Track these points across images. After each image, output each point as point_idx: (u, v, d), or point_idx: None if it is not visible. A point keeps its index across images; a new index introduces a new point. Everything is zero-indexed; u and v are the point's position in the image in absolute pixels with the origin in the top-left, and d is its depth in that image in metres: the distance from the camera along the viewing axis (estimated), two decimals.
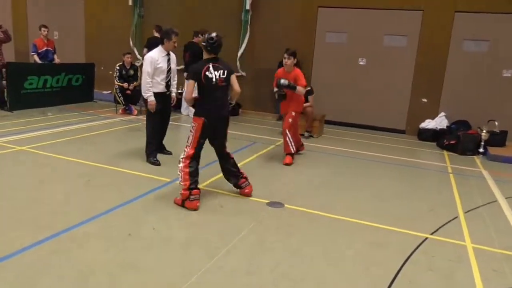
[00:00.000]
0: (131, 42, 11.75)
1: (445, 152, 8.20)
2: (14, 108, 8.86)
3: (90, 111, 9.71)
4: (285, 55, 6.37)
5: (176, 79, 6.12)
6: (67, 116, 8.93)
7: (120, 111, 9.69)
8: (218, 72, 4.46)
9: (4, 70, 8.85)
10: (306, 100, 8.53)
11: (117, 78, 9.57)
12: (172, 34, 5.71)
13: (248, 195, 4.80)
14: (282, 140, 8.03)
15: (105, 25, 12.13)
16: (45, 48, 9.96)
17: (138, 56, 11.54)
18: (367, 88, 10.16)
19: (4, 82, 8.92)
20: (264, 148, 7.28)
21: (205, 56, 4.55)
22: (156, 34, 9.61)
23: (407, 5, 9.53)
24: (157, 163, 5.82)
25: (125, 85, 9.49)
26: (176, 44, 5.78)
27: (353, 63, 10.23)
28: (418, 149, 8.44)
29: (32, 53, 10.00)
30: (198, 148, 4.48)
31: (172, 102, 6.14)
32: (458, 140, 8.15)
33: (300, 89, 6.22)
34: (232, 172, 4.79)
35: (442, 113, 9.39)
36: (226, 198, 4.78)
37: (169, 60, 5.85)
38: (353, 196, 5.22)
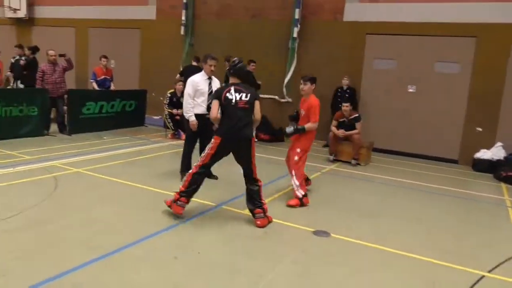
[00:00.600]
0: (181, 68, 12.19)
1: (503, 185, 7.74)
2: (73, 132, 9.38)
3: (141, 135, 10.09)
4: (301, 81, 5.72)
5: None
6: (120, 140, 9.33)
7: (169, 135, 10.00)
8: (239, 94, 4.67)
9: (65, 96, 9.44)
10: (354, 127, 8.44)
11: (166, 105, 9.94)
12: (207, 58, 6.10)
13: (259, 226, 4.64)
14: (328, 168, 7.97)
15: (159, 53, 12.72)
16: (103, 76, 10.57)
17: None
18: (417, 115, 9.89)
19: (65, 107, 9.51)
20: (310, 175, 7.19)
21: (230, 80, 4.86)
22: (194, 63, 10.22)
23: (459, 32, 9.29)
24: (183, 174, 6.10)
25: (174, 111, 9.82)
26: (213, 68, 6.09)
27: (402, 90, 10.03)
28: (473, 180, 8.03)
29: (91, 81, 10.64)
30: (209, 163, 4.73)
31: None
32: None
33: (310, 127, 5.56)
34: (252, 198, 4.77)
35: (499, 143, 8.92)
36: (271, 225, 4.74)
37: (210, 83, 6.14)
38: (402, 227, 5.03)
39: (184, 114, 6.13)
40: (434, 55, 9.64)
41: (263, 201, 4.78)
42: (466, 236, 4.91)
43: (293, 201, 5.45)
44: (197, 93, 6.06)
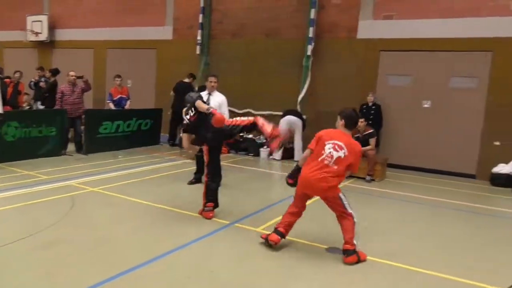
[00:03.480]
0: (196, 89, 12.35)
1: None
2: (89, 152, 9.54)
3: (156, 154, 10.22)
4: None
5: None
6: (135, 158, 9.45)
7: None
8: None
9: (83, 116, 9.66)
10: (368, 143, 8.40)
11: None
12: (208, 77, 7.02)
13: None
14: (342, 184, 7.91)
15: (175, 73, 12.91)
16: (119, 96, 10.79)
17: None
18: (433, 130, 9.80)
19: (82, 127, 9.72)
20: None
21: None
22: (186, 80, 11.37)
23: (475, 47, 9.24)
24: (191, 182, 7.15)
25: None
26: (213, 84, 6.79)
27: (417, 106, 9.98)
28: (492, 195, 7.88)
29: (108, 101, 10.88)
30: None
31: None
32: None
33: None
34: None
35: None
36: (285, 242, 4.71)
37: (208, 98, 6.71)
38: (419, 244, 4.95)
39: None
40: (449, 70, 9.59)
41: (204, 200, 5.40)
42: (485, 252, 4.80)
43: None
44: None
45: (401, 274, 4.06)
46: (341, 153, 4.27)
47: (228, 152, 10.99)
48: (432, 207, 6.69)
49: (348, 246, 4.28)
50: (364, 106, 9.98)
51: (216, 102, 6.75)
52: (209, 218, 5.32)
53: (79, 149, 9.63)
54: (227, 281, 3.72)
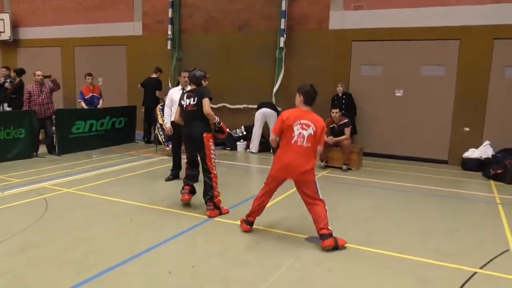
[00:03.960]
0: (170, 84, 12.21)
1: (492, 182, 7.83)
2: (62, 152, 9.32)
3: (131, 152, 10.07)
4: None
5: None
6: (110, 157, 9.29)
7: (169, 147, 9.77)
8: (189, 100, 5.40)
9: (53, 116, 9.40)
10: (343, 133, 8.51)
11: (162, 118, 9.92)
12: (181, 71, 7.17)
13: (209, 217, 5.25)
14: (319, 174, 8.00)
15: (146, 69, 12.71)
16: (91, 94, 10.55)
17: None
18: (406, 118, 10.01)
19: (53, 128, 9.46)
20: None
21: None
22: (153, 75, 11.51)
23: (443, 35, 9.45)
24: (168, 179, 7.18)
25: (169, 130, 9.80)
26: (186, 79, 6.61)
27: (390, 95, 10.16)
28: (463, 180, 8.12)
29: (79, 100, 10.62)
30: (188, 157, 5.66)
31: None
32: (506, 169, 7.79)
33: (271, 139, 4.83)
34: (206, 190, 5.40)
35: (487, 142, 9.04)
36: (264, 234, 4.75)
37: (182, 93, 6.61)
38: (396, 230, 5.05)
39: (163, 121, 7.38)
40: (420, 59, 9.79)
41: (215, 193, 5.33)
42: (458, 234, 4.94)
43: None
44: (172, 102, 6.92)
45: (379, 261, 4.13)
46: (310, 131, 4.40)
47: None
48: (407, 194, 6.85)
49: (324, 231, 4.33)
50: (336, 97, 10.08)
51: None
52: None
53: (51, 151, 9.40)
54: (209, 275, 3.71)
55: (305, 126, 4.40)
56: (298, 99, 4.55)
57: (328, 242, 4.28)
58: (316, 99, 4.58)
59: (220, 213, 5.34)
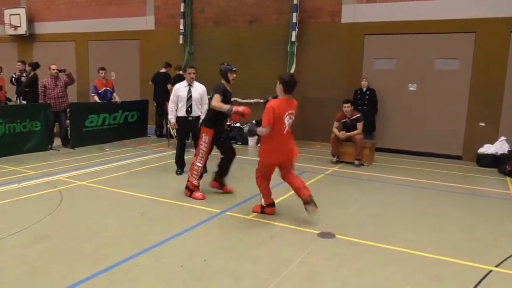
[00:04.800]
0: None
1: (508, 179, 7.71)
2: (76, 145, 9.44)
3: (143, 146, 10.14)
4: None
5: (200, 106, 7.04)
6: (122, 151, 9.36)
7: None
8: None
9: (68, 110, 9.51)
10: (355, 128, 8.44)
11: None
12: (186, 67, 7.16)
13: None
14: (331, 169, 7.97)
15: (159, 63, 12.76)
16: (104, 88, 10.63)
17: None
18: (419, 113, 9.89)
19: (67, 121, 9.57)
20: (314, 177, 7.21)
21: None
22: (163, 70, 11.37)
23: (458, 28, 9.29)
24: (178, 173, 7.22)
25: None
26: (192, 75, 6.95)
27: (403, 89, 10.04)
28: (478, 176, 8.00)
29: (93, 94, 10.70)
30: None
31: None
32: None
33: (261, 130, 4.86)
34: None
35: (503, 137, 8.89)
36: (276, 229, 4.75)
37: (189, 89, 6.96)
38: (408, 225, 5.01)
39: (169, 117, 7.17)
40: (434, 53, 9.64)
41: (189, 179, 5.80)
42: (473, 231, 4.88)
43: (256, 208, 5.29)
44: (179, 98, 6.93)
45: (390, 256, 4.10)
46: (293, 117, 4.94)
47: None
48: (420, 189, 6.77)
49: (307, 198, 4.90)
50: (359, 91, 9.99)
51: (197, 93, 6.98)
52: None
53: (65, 143, 9.52)
54: (220, 269, 3.72)
55: (291, 115, 4.90)
56: (279, 87, 4.85)
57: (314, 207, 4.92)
58: (295, 87, 4.87)
59: (190, 196, 5.81)
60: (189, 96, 6.93)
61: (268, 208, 5.19)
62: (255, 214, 5.18)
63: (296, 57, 10.82)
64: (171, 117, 7.12)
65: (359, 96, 9.87)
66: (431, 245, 4.36)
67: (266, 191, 5.17)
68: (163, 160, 8.48)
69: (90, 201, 5.64)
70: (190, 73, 6.94)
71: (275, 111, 4.69)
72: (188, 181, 5.88)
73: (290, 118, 4.86)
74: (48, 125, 9.11)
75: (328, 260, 3.97)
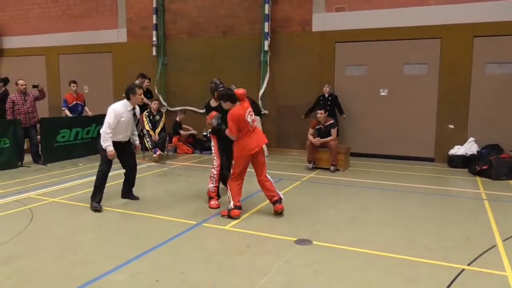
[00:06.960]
0: (156, 90, 12.17)
1: (478, 178, 7.93)
2: (48, 161, 9.21)
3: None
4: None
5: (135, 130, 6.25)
6: (96, 165, 9.11)
7: (156, 154, 9.77)
8: None
9: (38, 125, 9.29)
10: (330, 134, 8.54)
11: (149, 124, 9.91)
12: (135, 88, 5.83)
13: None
14: (307, 176, 8.03)
15: (132, 75, 12.64)
16: (75, 102, 10.44)
17: (164, 103, 12.03)
18: (391, 117, 10.10)
19: (38, 137, 9.35)
20: (291, 185, 7.24)
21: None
22: (137, 82, 10.30)
23: (425, 34, 9.56)
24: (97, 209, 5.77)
25: (156, 137, 9.79)
26: (142, 96, 6.08)
27: (375, 94, 10.24)
28: (449, 177, 8.20)
29: (63, 108, 10.49)
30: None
31: (134, 148, 6.41)
32: (491, 165, 7.89)
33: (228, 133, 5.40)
34: None
35: (471, 139, 9.16)
36: (253, 238, 4.74)
37: (134, 113, 5.97)
38: (383, 229, 5.08)
39: (102, 143, 5.79)
40: (403, 58, 9.90)
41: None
42: (445, 231, 4.98)
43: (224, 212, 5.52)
44: (119, 123, 5.76)
45: (367, 260, 4.15)
46: (252, 112, 5.46)
47: (193, 152, 10.92)
48: (394, 192, 6.89)
49: (276, 198, 5.40)
50: (321, 97, 10.13)
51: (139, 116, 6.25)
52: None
53: (36, 160, 9.28)
54: (198, 281, 3.69)
55: (250, 112, 5.40)
56: (227, 105, 5.40)
57: (281, 206, 5.41)
58: (232, 92, 5.43)
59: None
60: (137, 120, 6.19)
61: (233, 210, 5.35)
62: (232, 223, 5.16)
63: (270, 67, 10.91)
64: (109, 144, 5.82)
65: (321, 102, 10.00)
66: (405, 247, 4.44)
67: (236, 192, 5.40)
68: (139, 173, 8.30)
69: (62, 218, 5.51)
70: (140, 95, 5.90)
71: (238, 118, 5.24)
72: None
73: (251, 115, 5.38)
74: (18, 141, 8.87)
75: (305, 267, 3.99)
